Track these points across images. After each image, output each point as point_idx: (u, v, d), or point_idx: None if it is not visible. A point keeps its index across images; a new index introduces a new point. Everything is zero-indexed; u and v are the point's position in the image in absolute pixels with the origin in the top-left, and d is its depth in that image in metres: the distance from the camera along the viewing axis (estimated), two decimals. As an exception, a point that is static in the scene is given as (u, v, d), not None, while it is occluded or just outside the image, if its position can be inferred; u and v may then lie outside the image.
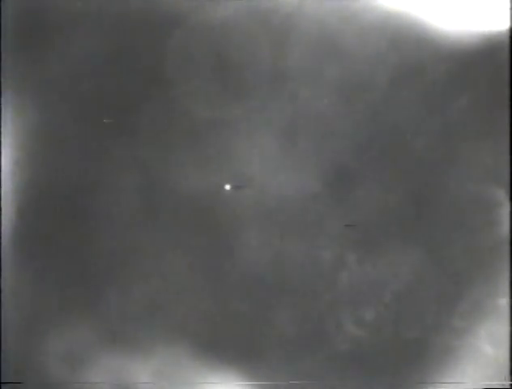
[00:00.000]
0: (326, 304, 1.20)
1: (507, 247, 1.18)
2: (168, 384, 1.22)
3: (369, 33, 1.19)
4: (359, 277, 1.19)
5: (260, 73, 1.20)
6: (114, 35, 1.22)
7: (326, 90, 1.20)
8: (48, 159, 1.23)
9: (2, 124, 1.22)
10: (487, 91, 1.17)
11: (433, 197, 1.19)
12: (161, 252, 1.22)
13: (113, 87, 1.22)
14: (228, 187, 1.19)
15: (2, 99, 1.22)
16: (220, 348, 1.21)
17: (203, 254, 1.21)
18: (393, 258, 1.19)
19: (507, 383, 1.19)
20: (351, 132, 1.20)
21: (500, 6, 1.17)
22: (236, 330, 1.21)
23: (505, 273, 1.18)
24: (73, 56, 1.23)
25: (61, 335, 1.22)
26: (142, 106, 1.21)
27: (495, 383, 1.19)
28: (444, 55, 1.18)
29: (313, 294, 1.20)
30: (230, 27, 1.20)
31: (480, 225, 1.18)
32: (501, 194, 1.18)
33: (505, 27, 1.18)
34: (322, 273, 1.20)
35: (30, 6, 1.22)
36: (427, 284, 1.19)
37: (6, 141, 1.23)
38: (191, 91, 1.20)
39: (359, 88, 1.20)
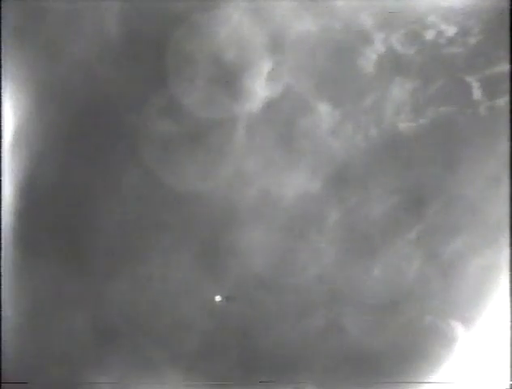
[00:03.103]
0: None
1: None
2: (169, 384, 1.16)
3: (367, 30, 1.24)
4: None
5: (259, 73, 1.23)
6: (114, 34, 1.24)
7: (326, 88, 1.23)
8: (48, 158, 1.22)
9: (2, 124, 1.22)
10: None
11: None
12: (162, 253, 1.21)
13: (112, 86, 1.24)
14: (218, 298, 1.21)
15: (2, 98, 1.23)
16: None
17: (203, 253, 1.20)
18: None
19: (507, 383, 1.17)
20: (350, 132, 1.22)
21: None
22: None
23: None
24: (72, 55, 1.24)
25: (60, 335, 1.20)
26: (142, 105, 1.23)
27: (495, 383, 1.16)
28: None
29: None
30: (230, 27, 1.24)
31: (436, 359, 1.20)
32: (458, 328, 1.20)
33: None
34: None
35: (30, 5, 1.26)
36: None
37: (5, 141, 1.23)
38: (191, 91, 1.22)
39: (359, 80, 1.23)
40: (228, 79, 1.23)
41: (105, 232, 1.23)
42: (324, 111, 1.23)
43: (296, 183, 1.24)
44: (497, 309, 1.20)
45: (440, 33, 1.22)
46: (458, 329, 1.20)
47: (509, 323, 1.20)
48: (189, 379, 1.22)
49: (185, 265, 1.23)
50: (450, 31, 1.22)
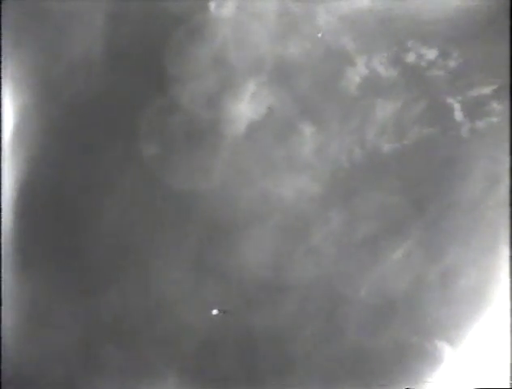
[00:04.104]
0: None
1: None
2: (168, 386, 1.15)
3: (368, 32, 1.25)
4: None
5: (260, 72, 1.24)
6: (114, 34, 1.25)
7: (326, 89, 1.24)
8: (47, 159, 1.22)
9: (2, 123, 1.22)
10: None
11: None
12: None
13: (111, 86, 1.24)
14: (215, 312, 1.20)
15: (2, 98, 1.23)
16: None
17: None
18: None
19: (507, 383, 1.16)
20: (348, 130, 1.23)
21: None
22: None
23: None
24: (72, 55, 1.25)
25: (60, 336, 1.20)
26: (142, 106, 1.23)
27: (495, 383, 1.16)
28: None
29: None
30: (230, 27, 1.26)
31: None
32: (445, 349, 1.20)
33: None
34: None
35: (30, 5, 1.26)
36: None
37: (5, 141, 1.22)
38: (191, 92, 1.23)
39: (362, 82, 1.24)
40: (211, 100, 1.25)
41: (105, 232, 1.22)
42: (308, 132, 1.24)
43: (283, 200, 1.24)
44: (491, 316, 1.20)
45: (421, 56, 1.24)
46: (445, 349, 1.19)
47: (509, 325, 1.20)
48: (187, 381, 1.20)
49: (185, 265, 1.22)
50: (431, 54, 1.24)
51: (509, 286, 1.20)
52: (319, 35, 1.22)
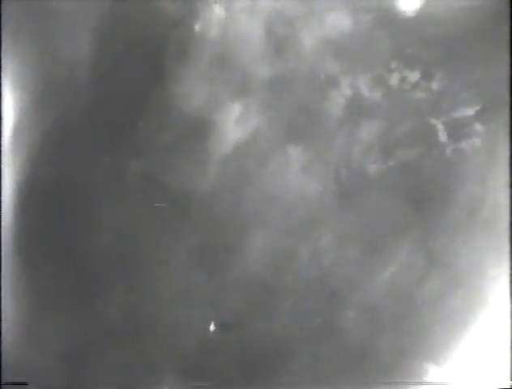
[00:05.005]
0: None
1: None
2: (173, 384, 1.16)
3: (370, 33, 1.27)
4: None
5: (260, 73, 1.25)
6: (113, 34, 1.28)
7: (326, 91, 1.25)
8: (49, 159, 1.21)
9: (2, 125, 1.22)
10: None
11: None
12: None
13: (111, 86, 1.25)
14: (212, 327, 1.20)
15: (2, 98, 1.23)
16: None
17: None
18: None
19: (507, 383, 1.16)
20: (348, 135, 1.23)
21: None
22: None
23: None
24: (72, 55, 1.27)
25: (60, 336, 1.21)
26: (142, 106, 1.23)
27: (495, 383, 1.15)
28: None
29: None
30: (230, 28, 1.27)
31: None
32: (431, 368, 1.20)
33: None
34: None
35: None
36: None
37: (5, 141, 1.22)
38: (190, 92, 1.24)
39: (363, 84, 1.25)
40: (198, 124, 1.26)
41: (105, 232, 1.22)
42: (293, 153, 1.25)
43: (270, 220, 1.24)
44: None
45: (404, 78, 1.26)
46: (431, 370, 1.18)
47: (509, 326, 1.18)
48: (188, 380, 1.18)
49: (185, 265, 1.21)
50: (414, 75, 1.27)
51: (509, 289, 1.20)
52: (322, 76, 1.24)
